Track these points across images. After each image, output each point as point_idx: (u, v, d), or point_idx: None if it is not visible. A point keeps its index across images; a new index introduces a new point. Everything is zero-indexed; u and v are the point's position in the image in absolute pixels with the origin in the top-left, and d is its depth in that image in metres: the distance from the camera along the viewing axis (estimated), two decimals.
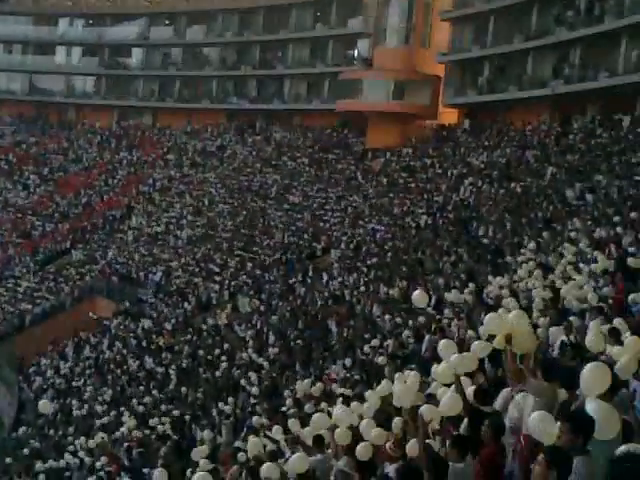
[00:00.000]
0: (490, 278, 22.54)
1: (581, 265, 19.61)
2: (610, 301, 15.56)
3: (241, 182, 50.44)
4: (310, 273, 35.97)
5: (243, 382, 25.55)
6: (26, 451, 28.10)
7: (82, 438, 25.64)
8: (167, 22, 64.21)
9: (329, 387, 20.06)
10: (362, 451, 9.64)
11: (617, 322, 11.87)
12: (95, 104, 64.74)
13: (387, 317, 24.98)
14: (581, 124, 38.59)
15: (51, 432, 30.22)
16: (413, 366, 17.46)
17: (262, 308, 33.59)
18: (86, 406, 31.09)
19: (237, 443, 18.24)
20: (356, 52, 54.98)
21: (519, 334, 8.23)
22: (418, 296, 14.70)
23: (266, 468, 10.31)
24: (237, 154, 54.71)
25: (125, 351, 35.36)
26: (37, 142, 63.76)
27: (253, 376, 25.37)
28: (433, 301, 24.32)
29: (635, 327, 11.08)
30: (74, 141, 63.12)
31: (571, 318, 14.42)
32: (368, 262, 33.54)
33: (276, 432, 14.95)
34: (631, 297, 14.59)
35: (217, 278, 40.14)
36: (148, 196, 53.51)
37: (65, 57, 67.51)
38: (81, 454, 24.71)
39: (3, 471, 26.54)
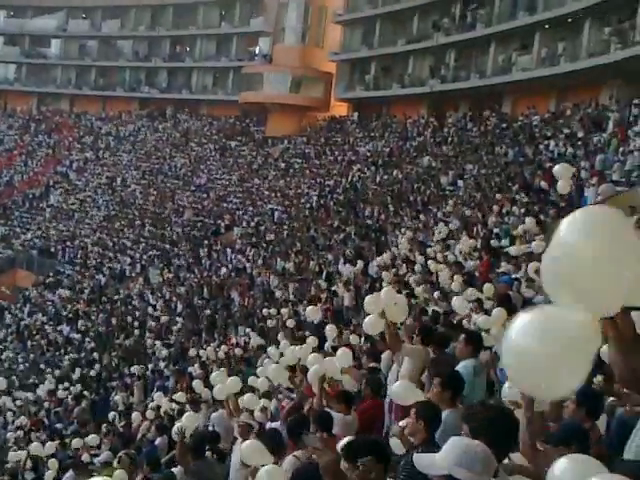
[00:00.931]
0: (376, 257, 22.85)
1: (451, 242, 20.14)
2: (477, 274, 15.99)
3: (152, 165, 49.66)
4: (215, 248, 35.82)
5: (154, 347, 25.40)
6: None
7: (3, 397, 25.03)
8: (84, 16, 62.35)
9: (232, 351, 20.16)
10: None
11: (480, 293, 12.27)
12: (16, 90, 62.53)
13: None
14: (454, 119, 39.29)
15: None
16: (306, 332, 17.76)
17: (171, 280, 33.32)
18: (6, 367, 30.37)
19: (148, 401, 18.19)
20: (257, 49, 54.62)
21: (390, 307, 8.43)
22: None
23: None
24: (148, 139, 53.80)
25: (45, 319, 34.61)
26: None
27: (162, 342, 25.25)
28: (324, 274, 24.71)
29: (499, 298, 11.40)
30: None
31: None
32: (267, 239, 33.61)
33: (180, 396, 15.00)
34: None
35: (130, 252, 39.55)
36: (65, 176, 52.19)
37: None
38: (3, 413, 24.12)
39: None
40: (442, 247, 19.56)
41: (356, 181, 36.72)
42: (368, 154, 39.75)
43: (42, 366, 28.84)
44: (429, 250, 19.73)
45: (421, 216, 26.69)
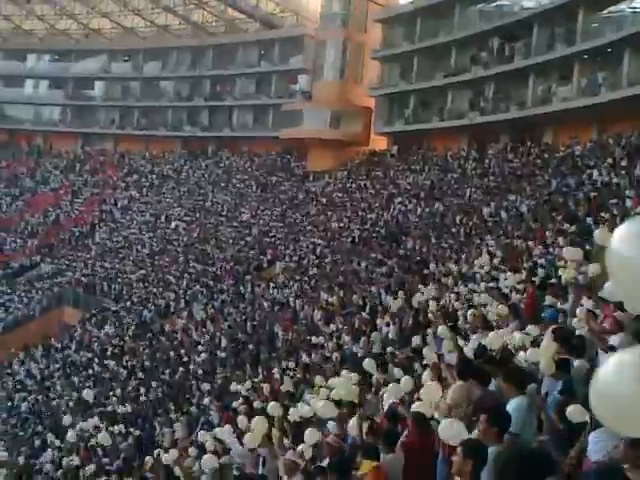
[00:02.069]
0: (421, 287, 22.65)
1: (495, 273, 19.89)
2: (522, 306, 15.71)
3: (195, 202, 50.10)
4: (258, 283, 35.86)
5: (198, 382, 25.36)
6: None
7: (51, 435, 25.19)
8: (126, 58, 63.59)
9: (275, 385, 20.02)
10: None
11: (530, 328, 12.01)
12: (61, 131, 63.77)
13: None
14: (495, 150, 39.16)
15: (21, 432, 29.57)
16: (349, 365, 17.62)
17: (215, 315, 33.37)
18: (55, 405, 30.55)
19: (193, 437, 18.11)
20: (297, 86, 55.12)
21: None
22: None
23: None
24: (191, 177, 54.35)
25: (90, 355, 34.82)
26: (8, 165, 62.57)
27: (207, 377, 25.20)
28: (367, 307, 24.55)
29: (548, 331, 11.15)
30: (42, 165, 62.08)
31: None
32: (309, 273, 33.57)
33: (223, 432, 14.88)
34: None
35: (174, 288, 39.74)
36: (110, 214, 52.86)
37: (33, 89, 66.35)
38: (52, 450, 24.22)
39: None
40: (486, 279, 19.35)
41: (397, 214, 36.64)
42: (409, 187, 39.70)
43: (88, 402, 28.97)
44: (472, 282, 19.52)
45: (464, 248, 26.47)
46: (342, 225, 38.75)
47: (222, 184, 51.34)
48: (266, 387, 19.27)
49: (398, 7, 49.16)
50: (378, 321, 21.37)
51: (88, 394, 25.44)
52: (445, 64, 43.56)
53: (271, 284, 34.55)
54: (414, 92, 45.92)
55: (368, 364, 13.10)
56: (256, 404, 17.08)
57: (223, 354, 27.98)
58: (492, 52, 40.60)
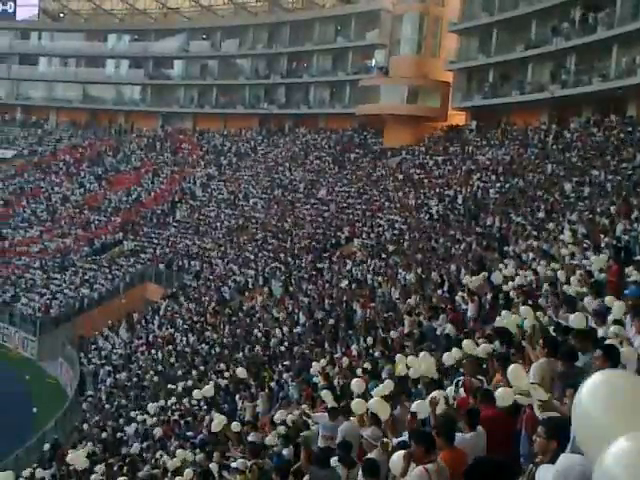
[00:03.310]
0: (500, 265, 22.44)
1: (576, 249, 19.57)
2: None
3: (272, 179, 50.54)
4: (335, 260, 36.06)
5: (277, 358, 25.71)
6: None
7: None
8: (204, 37, 64.28)
9: (353, 362, 20.18)
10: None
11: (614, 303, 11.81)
12: (141, 110, 65.00)
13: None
14: (577, 124, 38.33)
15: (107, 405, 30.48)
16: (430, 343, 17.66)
17: (293, 292, 33.72)
18: (138, 379, 31.42)
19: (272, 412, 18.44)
20: (373, 61, 54.88)
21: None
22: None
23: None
24: (268, 154, 54.81)
25: (173, 330, 35.65)
26: (91, 145, 64.13)
27: (286, 353, 25.53)
28: (446, 285, 24.47)
29: (634, 309, 10.96)
30: (123, 144, 63.46)
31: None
32: (387, 250, 33.58)
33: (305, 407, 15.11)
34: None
35: (252, 265, 40.29)
36: (190, 192, 53.78)
37: (114, 69, 67.72)
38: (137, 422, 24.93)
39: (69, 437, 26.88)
40: (568, 256, 19.07)
41: (476, 190, 36.27)
42: (488, 163, 39.22)
43: (171, 376, 29.69)
44: (553, 259, 19.27)
45: (544, 224, 26.09)
46: (420, 202, 38.58)
47: (299, 161, 51.62)
48: (345, 363, 19.48)
49: None
50: (457, 298, 21.30)
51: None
52: (525, 36, 42.68)
53: (349, 261, 34.70)
54: (493, 65, 45.23)
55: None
56: (335, 381, 17.28)
57: (301, 330, 28.29)
58: (574, 23, 39.58)
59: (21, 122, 68.80)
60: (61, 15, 69.49)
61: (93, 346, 39.79)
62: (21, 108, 69.07)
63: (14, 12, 65.39)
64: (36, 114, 68.55)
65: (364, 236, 37.64)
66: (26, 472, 22.32)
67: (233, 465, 12.01)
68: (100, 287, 45.66)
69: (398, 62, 50.06)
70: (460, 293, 21.67)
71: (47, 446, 25.83)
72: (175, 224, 50.23)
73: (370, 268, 31.98)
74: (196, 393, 21.66)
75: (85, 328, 41.62)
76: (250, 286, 38.02)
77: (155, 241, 48.83)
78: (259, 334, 29.55)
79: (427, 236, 32.73)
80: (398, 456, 6.86)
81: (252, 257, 41.35)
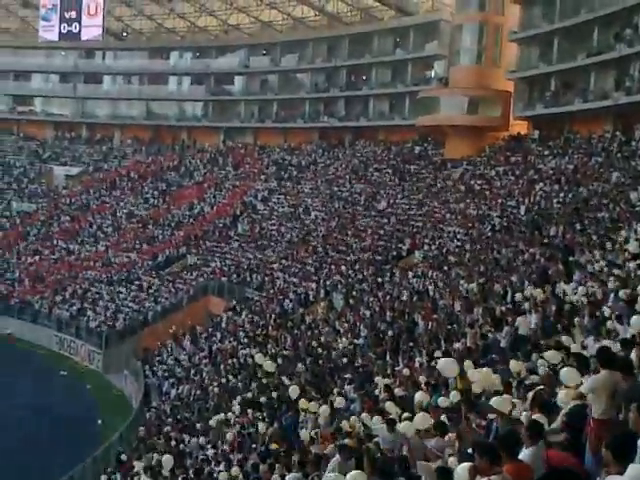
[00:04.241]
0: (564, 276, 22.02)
1: None
2: None
3: (333, 192, 50.61)
4: (397, 272, 35.88)
5: (339, 371, 25.61)
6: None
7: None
8: (264, 52, 64.89)
9: (415, 375, 20.01)
10: None
11: None
12: (203, 126, 65.88)
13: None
14: None
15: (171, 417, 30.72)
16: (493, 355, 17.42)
17: (354, 304, 33.62)
18: (201, 392, 31.64)
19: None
20: (433, 72, 54.68)
21: None
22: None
23: None
24: (328, 167, 54.93)
25: (235, 342, 35.84)
26: (154, 161, 65.16)
27: (348, 365, 25.43)
28: (509, 297, 24.12)
29: None
30: (186, 159, 64.31)
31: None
32: (449, 261, 33.29)
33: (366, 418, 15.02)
34: None
35: (314, 278, 40.32)
36: (251, 206, 54.17)
37: (176, 86, 68.83)
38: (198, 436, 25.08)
39: (135, 449, 27.17)
40: (635, 267, 18.64)
41: (539, 200, 35.74)
42: (551, 172, 38.64)
43: (232, 387, 29.83)
44: (620, 270, 18.85)
45: (610, 234, 25.54)
46: (481, 212, 38.19)
47: (359, 174, 51.60)
48: (408, 376, 19.33)
49: None
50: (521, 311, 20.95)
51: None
52: (587, 43, 42.02)
53: (410, 273, 34.49)
54: (555, 74, 44.62)
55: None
56: (397, 392, 17.17)
57: (363, 342, 28.17)
58: (637, 29, 38.81)
59: (86, 139, 70.33)
60: (124, 34, 70.93)
61: (157, 359, 40.26)
62: (86, 126, 70.61)
63: (79, 32, 66.95)
64: (101, 132, 70.03)
65: (425, 248, 37.39)
66: None
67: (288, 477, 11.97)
68: (164, 300, 46.23)
69: (458, 72, 49.75)
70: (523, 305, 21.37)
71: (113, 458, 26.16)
72: (237, 238, 50.62)
73: (431, 280, 31.73)
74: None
75: (149, 341, 42.16)
76: (311, 299, 38.05)
77: (217, 255, 49.27)
78: (320, 346, 29.52)
79: (489, 247, 32.34)
80: (462, 468, 6.80)
81: (313, 270, 41.39)
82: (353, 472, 8.20)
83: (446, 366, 8.54)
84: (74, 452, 28.99)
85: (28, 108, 72.58)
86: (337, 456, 11.26)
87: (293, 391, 20.85)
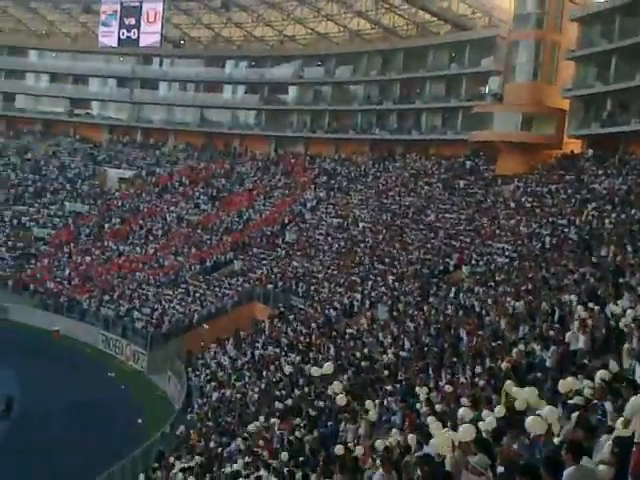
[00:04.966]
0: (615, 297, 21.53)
1: None
2: None
3: (382, 204, 50.41)
4: (443, 286, 35.53)
5: (382, 383, 25.39)
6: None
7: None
8: (319, 63, 65.10)
9: (458, 390, 19.72)
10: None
11: None
12: (256, 134, 66.25)
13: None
14: None
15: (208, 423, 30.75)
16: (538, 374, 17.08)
17: (399, 316, 33.36)
18: (242, 396, 31.62)
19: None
20: (487, 88, 54.25)
21: None
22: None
23: None
24: (378, 179, 54.77)
25: (277, 349, 35.82)
26: (206, 167, 65.66)
27: (390, 378, 25.20)
28: (557, 316, 23.68)
29: None
30: (237, 166, 64.69)
31: None
32: (496, 278, 32.85)
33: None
34: None
35: (359, 288, 40.15)
36: (300, 215, 54.22)
37: (231, 94, 69.41)
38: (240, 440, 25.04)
39: (175, 449, 27.24)
40: None
41: (591, 220, 35.13)
42: (604, 192, 37.97)
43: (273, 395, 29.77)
44: None
45: None
46: (531, 230, 37.66)
47: (409, 187, 51.35)
48: (450, 391, 19.06)
49: (596, 5, 47.17)
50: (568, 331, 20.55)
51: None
52: None
53: (454, 288, 34.11)
54: (611, 93, 43.92)
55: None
56: (439, 407, 16.94)
57: (406, 355, 27.92)
58: None
59: (141, 144, 71.25)
60: (182, 42, 71.73)
61: (200, 361, 40.42)
62: (141, 130, 71.58)
63: (137, 39, 67.89)
64: (155, 136, 70.89)
65: (473, 263, 36.98)
66: None
67: None
68: (209, 304, 46.45)
69: (513, 89, 49.28)
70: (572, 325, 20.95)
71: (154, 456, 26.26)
72: (284, 246, 50.68)
73: (478, 296, 31.34)
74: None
75: (193, 344, 42.36)
76: (356, 309, 37.88)
77: (264, 262, 49.37)
78: (363, 357, 29.32)
79: (538, 265, 31.84)
80: None
81: (359, 281, 41.22)
82: None
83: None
84: (114, 450, 29.20)
85: (85, 111, 73.85)
86: (380, 470, 11.15)
87: (340, 399, 20.62)
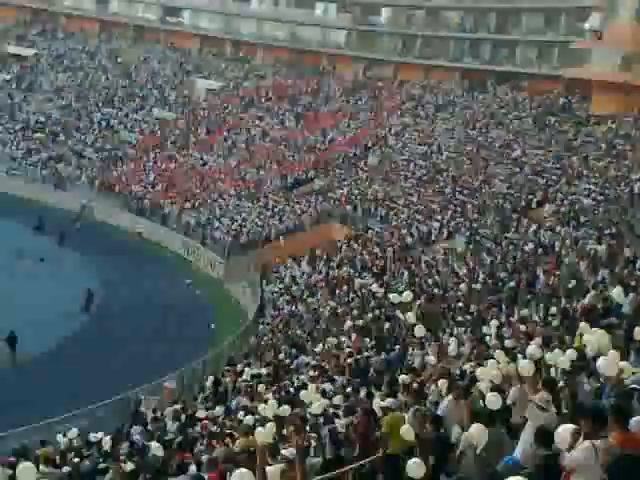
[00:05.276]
0: None
1: None
2: None
3: (468, 134, 49.58)
4: (524, 222, 35.03)
5: (453, 313, 25.44)
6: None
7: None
8: None
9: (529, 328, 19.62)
10: None
11: None
12: (345, 55, 65.41)
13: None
14: None
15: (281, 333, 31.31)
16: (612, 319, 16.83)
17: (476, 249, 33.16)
18: (314, 313, 32.08)
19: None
20: (588, 24, 52.20)
21: None
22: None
23: None
24: (466, 109, 53.73)
25: (352, 270, 36.07)
26: (293, 84, 65.31)
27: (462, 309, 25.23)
28: (639, 264, 23.19)
29: None
30: (325, 86, 64.14)
31: None
32: (580, 219, 32.23)
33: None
34: None
35: (438, 217, 39.93)
36: (384, 139, 53.73)
37: (323, 11, 68.41)
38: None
39: (245, 356, 27.96)
40: None
41: None
42: None
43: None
44: None
45: None
46: (621, 174, 36.63)
47: (498, 119, 50.29)
48: (521, 327, 19.01)
49: None
50: None
51: None
52: None
53: (535, 225, 33.61)
54: None
55: None
56: (508, 343, 16.96)
57: (480, 288, 27.82)
58: None
59: (230, 56, 71.08)
60: None
61: (275, 274, 41.06)
62: (231, 43, 71.31)
63: None
64: (244, 50, 70.57)
65: (557, 202, 36.28)
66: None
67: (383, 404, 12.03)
68: (287, 220, 46.90)
69: (614, 27, 47.24)
70: None
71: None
72: (366, 169, 50.50)
73: (559, 235, 30.85)
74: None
75: (270, 257, 42.98)
76: (433, 238, 37.77)
77: (345, 183, 49.36)
78: (436, 286, 29.35)
79: (624, 211, 31.08)
80: (564, 429, 6.60)
81: (438, 209, 40.96)
82: None
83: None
84: (186, 351, 30.22)
85: (177, 19, 73.89)
86: (450, 396, 11.27)
87: (419, 330, 20.63)
